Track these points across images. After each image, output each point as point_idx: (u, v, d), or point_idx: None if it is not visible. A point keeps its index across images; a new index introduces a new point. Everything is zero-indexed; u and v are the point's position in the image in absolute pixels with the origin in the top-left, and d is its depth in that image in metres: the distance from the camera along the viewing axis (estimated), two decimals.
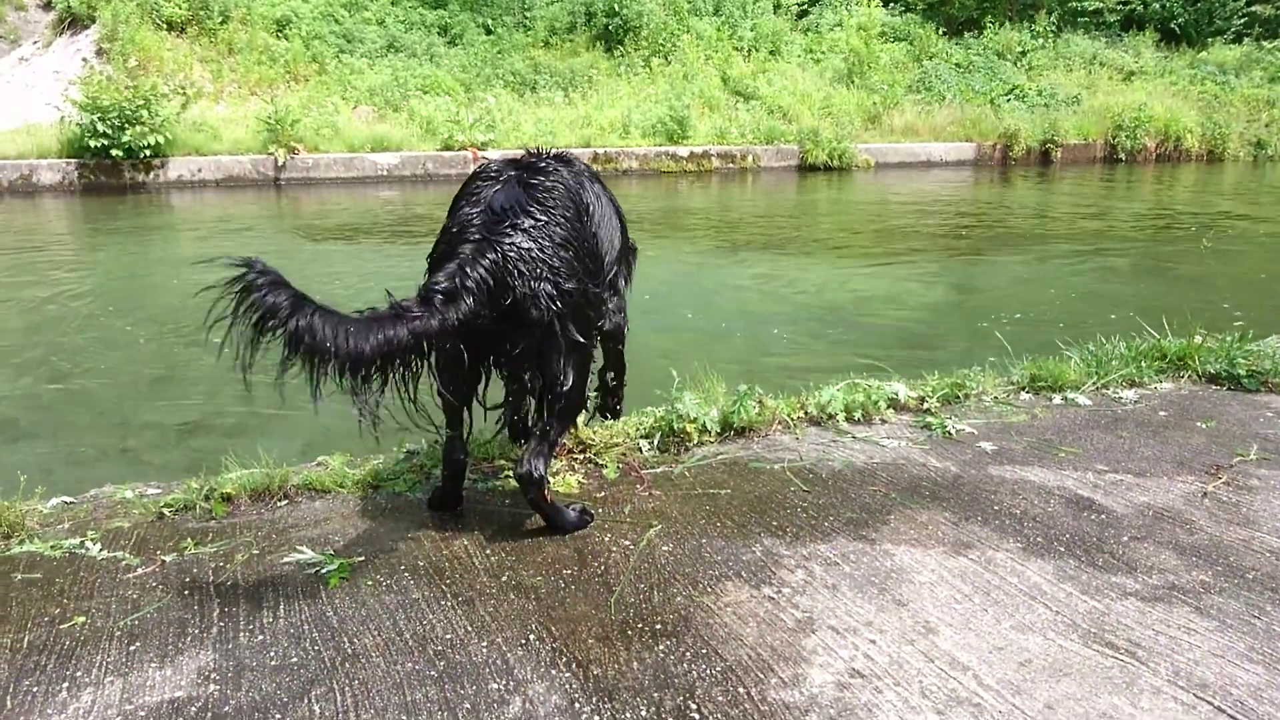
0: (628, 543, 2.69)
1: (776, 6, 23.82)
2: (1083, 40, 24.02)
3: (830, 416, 3.65)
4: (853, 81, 20.28)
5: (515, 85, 19.04)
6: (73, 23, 18.73)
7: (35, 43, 18.85)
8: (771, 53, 22.00)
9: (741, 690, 2.03)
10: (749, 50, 21.86)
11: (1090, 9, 24.86)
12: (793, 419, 3.60)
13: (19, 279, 8.33)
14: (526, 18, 21.60)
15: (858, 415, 3.67)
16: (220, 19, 18.91)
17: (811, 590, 2.44)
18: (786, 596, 2.41)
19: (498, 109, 16.48)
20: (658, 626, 2.27)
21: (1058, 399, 3.96)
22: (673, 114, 16.98)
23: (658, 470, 3.20)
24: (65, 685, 2.05)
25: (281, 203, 13.23)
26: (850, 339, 6.49)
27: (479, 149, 15.18)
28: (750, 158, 17.10)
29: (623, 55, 20.79)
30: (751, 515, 2.87)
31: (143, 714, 1.95)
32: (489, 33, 21.23)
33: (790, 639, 2.22)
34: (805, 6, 24.34)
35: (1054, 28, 24.28)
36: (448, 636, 2.23)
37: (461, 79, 18.89)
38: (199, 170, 13.81)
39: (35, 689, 2.04)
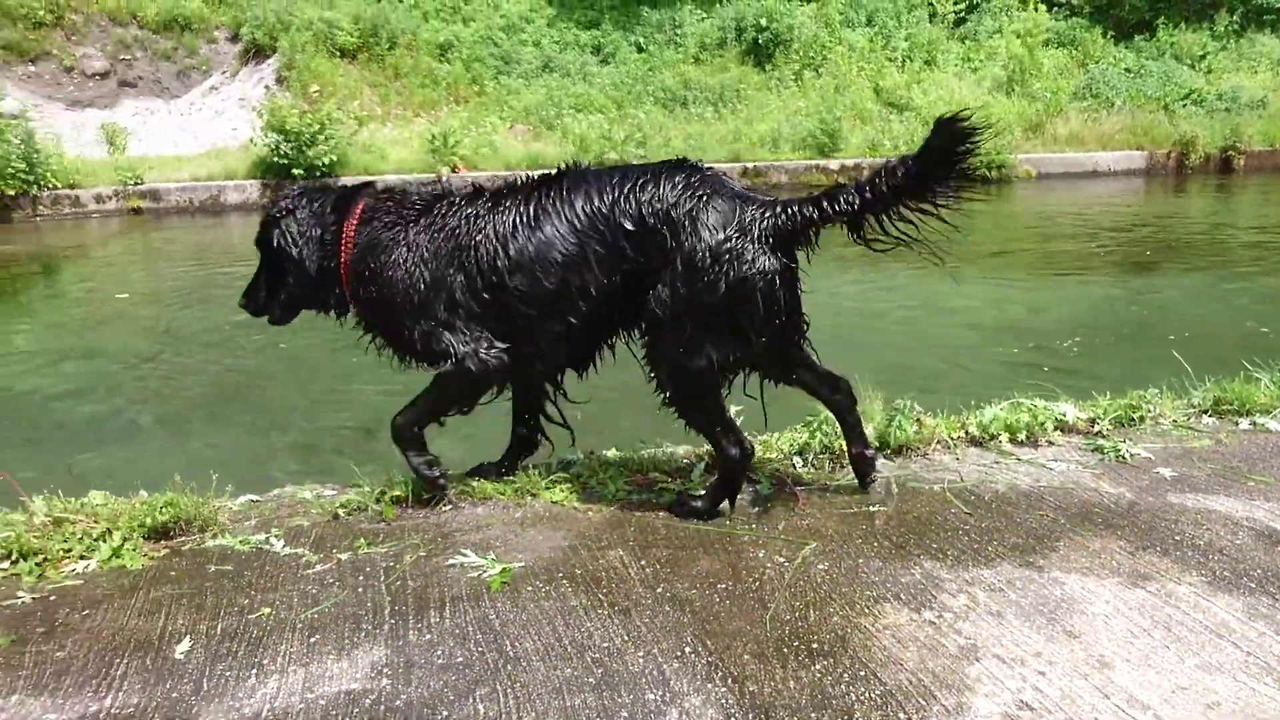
0: (782, 559, 2.67)
1: (932, 15, 23.22)
2: (1269, 39, 22.35)
3: (992, 437, 3.53)
4: (1013, 89, 19.53)
5: (665, 101, 19.24)
6: (256, 53, 20.09)
7: (223, 72, 20.32)
8: (926, 62, 21.45)
9: (902, 716, 1.98)
10: (903, 60, 21.38)
11: (1277, 6, 23.14)
12: (952, 439, 3.50)
13: (207, 291, 8.97)
14: (677, 35, 21.82)
15: (1022, 436, 3.53)
16: (388, 45, 19.91)
17: (975, 617, 2.36)
18: (948, 622, 2.33)
19: (649, 125, 16.69)
20: (814, 646, 2.25)
21: (1245, 423, 3.70)
22: (823, 127, 16.78)
23: (811, 487, 3.17)
24: (254, 671, 2.19)
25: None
26: (1012, 357, 6.24)
27: None
28: None
29: (773, 69, 20.71)
30: (910, 536, 2.80)
31: (322, 703, 2.07)
32: (640, 50, 21.55)
33: (953, 666, 2.15)
34: (963, 14, 23.61)
35: (1236, 27, 22.70)
36: (605, 645, 2.26)
37: (613, 96, 19.24)
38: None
39: (228, 673, 2.19)
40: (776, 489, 3.15)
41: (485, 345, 2.92)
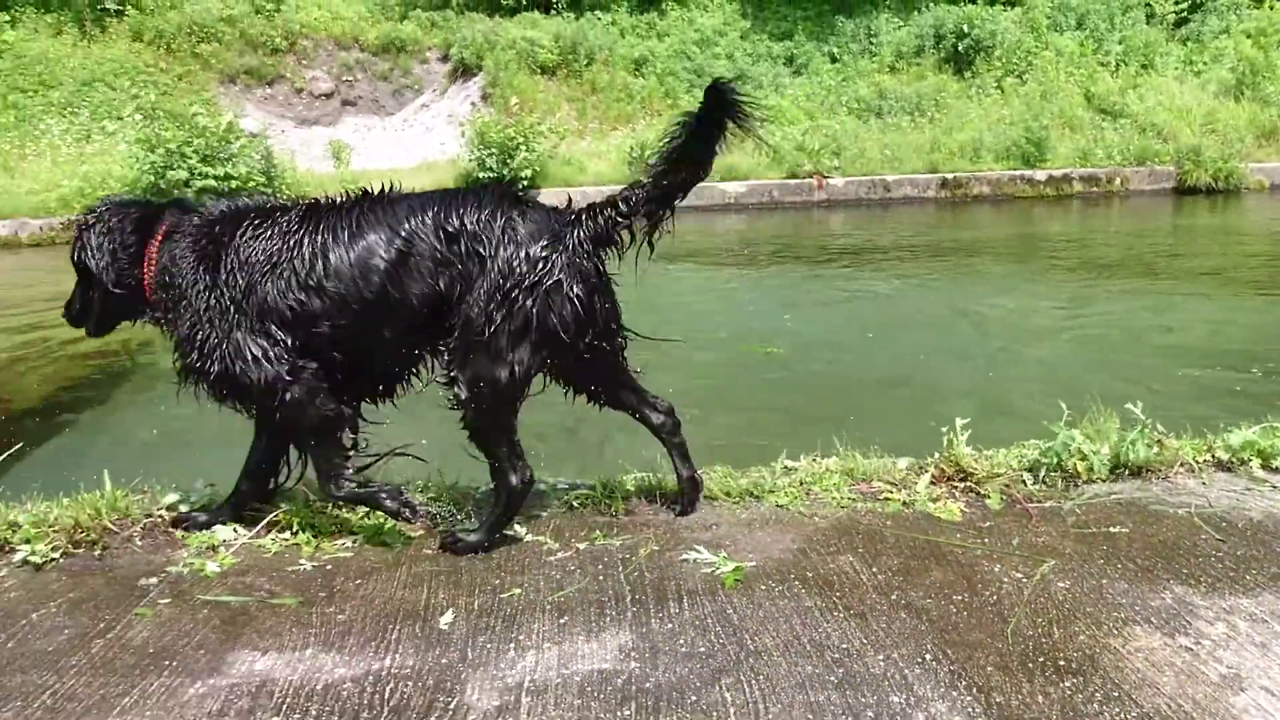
0: (1019, 575, 2.63)
1: (1150, 16, 21.85)
2: None
3: (1243, 462, 3.33)
4: (1242, 94, 18.13)
5: (859, 112, 18.99)
6: (464, 72, 21.22)
7: (434, 90, 21.57)
8: (1143, 66, 20.21)
9: None
10: (1117, 65, 20.23)
11: None
12: (1197, 462, 3.32)
13: None
14: (872, 44, 21.49)
15: (1277, 463, 3.31)
16: (586, 62, 20.58)
17: (1236, 646, 2.25)
18: (1207, 649, 2.24)
19: (843, 135, 16.51)
20: (1060, 663, 2.20)
21: None
22: (1029, 135, 16.11)
23: (1045, 505, 3.09)
24: (512, 646, 2.36)
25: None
26: (1253, 380, 5.82)
27: (825, 176, 15.30)
28: (1118, 180, 15.81)
29: (973, 76, 20.07)
30: (1156, 560, 2.69)
31: (577, 679, 2.20)
32: (834, 61, 21.36)
33: (1215, 694, 2.06)
34: (1184, 14, 22.10)
35: None
36: (844, 646, 2.30)
37: (805, 107, 19.16)
38: (566, 201, 15.10)
39: (489, 645, 2.37)
40: (1007, 505, 3.10)
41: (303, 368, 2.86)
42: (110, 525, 3.09)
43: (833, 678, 2.17)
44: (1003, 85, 19.47)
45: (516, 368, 2.79)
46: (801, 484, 3.27)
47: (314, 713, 2.12)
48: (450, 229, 2.83)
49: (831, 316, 8.35)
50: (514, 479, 2.89)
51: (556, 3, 22.15)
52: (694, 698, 2.12)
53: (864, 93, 19.54)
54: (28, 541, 2.95)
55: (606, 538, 2.95)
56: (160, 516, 3.18)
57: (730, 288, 9.82)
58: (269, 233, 2.89)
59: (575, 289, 2.80)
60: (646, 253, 2.96)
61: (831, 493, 3.20)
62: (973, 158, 16.19)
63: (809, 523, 3.01)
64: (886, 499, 3.16)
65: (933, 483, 3.22)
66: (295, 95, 20.66)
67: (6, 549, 2.98)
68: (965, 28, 20.30)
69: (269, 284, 2.84)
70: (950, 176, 15.61)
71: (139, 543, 3.04)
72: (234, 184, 13.51)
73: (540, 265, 2.78)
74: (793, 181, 15.41)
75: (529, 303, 2.76)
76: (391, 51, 21.47)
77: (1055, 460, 3.26)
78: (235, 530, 3.05)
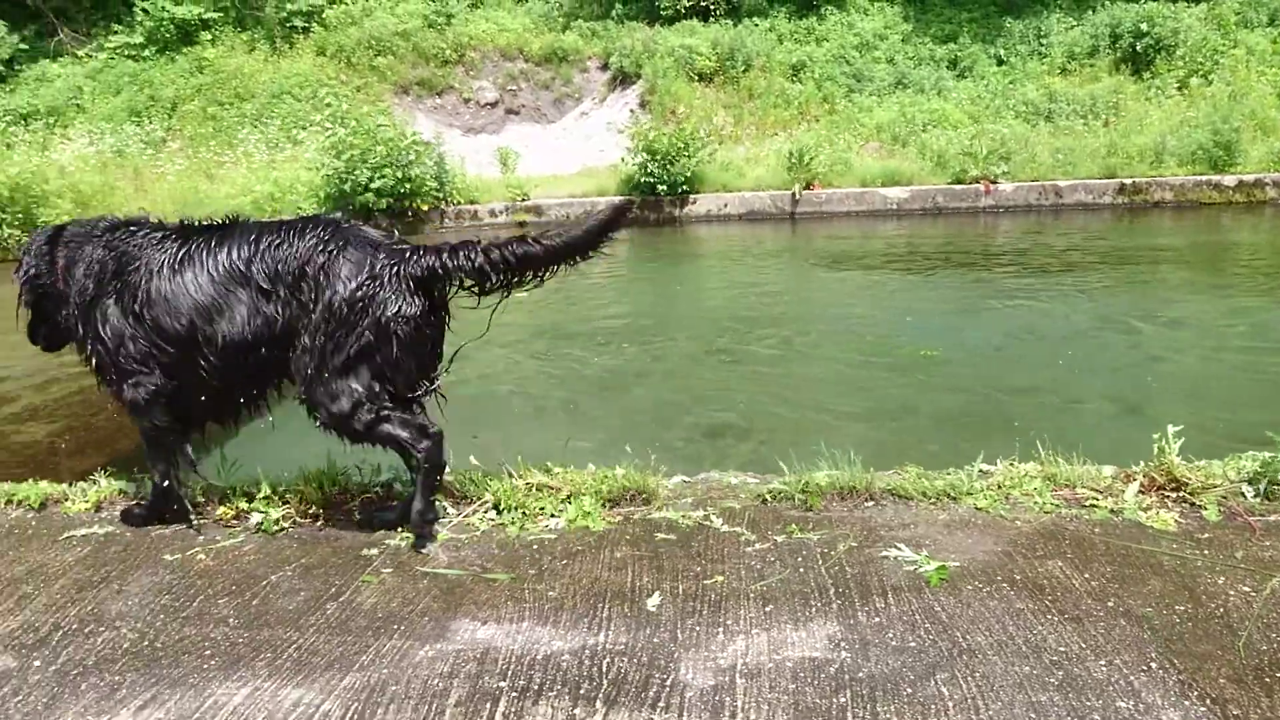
0: (1246, 588, 2.50)
1: None
2: None
3: None
4: None
5: (1027, 115, 18.28)
6: (623, 80, 21.58)
7: (593, 99, 22.02)
8: None
9: None
10: None
11: None
12: None
13: (586, 299, 9.79)
14: (1042, 44, 20.68)
15: None
16: (743, 68, 20.60)
17: None
18: None
19: (1012, 139, 15.91)
20: None
21: None
22: (1217, 139, 15.13)
23: (1268, 519, 2.93)
24: (720, 630, 2.42)
25: (795, 234, 14.06)
26: None
27: (992, 182, 14.82)
28: None
29: (1152, 77, 19.02)
30: None
31: (790, 664, 2.24)
32: (1001, 63, 20.65)
33: None
34: None
35: None
36: (1061, 649, 2.25)
37: (970, 111, 18.59)
38: (724, 205, 15.18)
39: (698, 628, 2.43)
40: (1225, 517, 2.95)
41: (145, 377, 3.04)
42: (332, 498, 3.33)
43: (1052, 680, 2.13)
44: (1186, 86, 18.38)
45: (356, 393, 2.93)
46: (999, 487, 3.20)
47: (537, 680, 2.23)
48: (268, 272, 2.96)
49: (998, 321, 8.08)
50: (422, 445, 2.99)
51: (715, 10, 22.27)
52: (909, 690, 2.12)
53: (1032, 95, 18.81)
54: (262, 511, 3.22)
55: (803, 532, 2.97)
56: (375, 492, 3.40)
57: (891, 292, 9.62)
58: (117, 250, 3.09)
59: (399, 325, 2.91)
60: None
61: (1033, 497, 3.12)
62: (1154, 162, 15.32)
63: (1011, 526, 2.95)
64: (1092, 506, 3.06)
65: (1141, 491, 3.10)
66: (463, 105, 21.50)
67: (243, 516, 3.25)
68: (1144, 26, 19.27)
69: (107, 299, 3.04)
70: (1129, 182, 14.83)
71: (358, 516, 3.26)
72: (409, 187, 14.19)
73: (360, 304, 2.89)
74: (958, 187, 14.97)
75: (352, 338, 2.89)
76: (554, 61, 22.05)
77: (1277, 473, 3.08)
78: (446, 508, 3.23)
